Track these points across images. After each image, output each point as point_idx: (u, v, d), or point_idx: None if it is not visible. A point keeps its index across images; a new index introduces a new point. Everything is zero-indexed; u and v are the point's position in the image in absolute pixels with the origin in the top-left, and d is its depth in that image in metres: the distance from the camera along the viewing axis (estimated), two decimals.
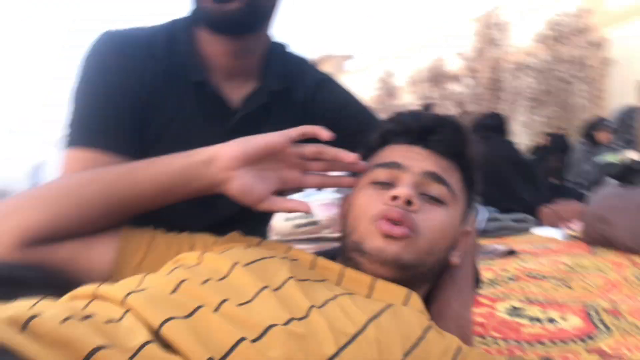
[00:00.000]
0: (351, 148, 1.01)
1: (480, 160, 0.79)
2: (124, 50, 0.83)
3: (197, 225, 0.80)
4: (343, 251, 0.75)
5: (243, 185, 0.72)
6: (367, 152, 0.80)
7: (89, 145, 0.81)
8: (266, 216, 1.09)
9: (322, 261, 0.72)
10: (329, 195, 2.32)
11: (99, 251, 0.72)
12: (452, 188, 0.73)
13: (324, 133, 0.75)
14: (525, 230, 3.02)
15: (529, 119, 8.39)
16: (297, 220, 2.30)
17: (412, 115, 0.79)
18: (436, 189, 0.71)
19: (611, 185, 2.51)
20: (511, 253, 2.31)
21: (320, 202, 2.14)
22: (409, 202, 0.68)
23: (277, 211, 0.77)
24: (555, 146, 5.26)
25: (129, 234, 0.75)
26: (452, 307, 0.78)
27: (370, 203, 0.71)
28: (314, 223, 2.21)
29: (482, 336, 1.21)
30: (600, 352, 1.09)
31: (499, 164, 3.26)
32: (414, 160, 0.73)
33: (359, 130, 0.93)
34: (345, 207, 0.79)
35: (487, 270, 1.98)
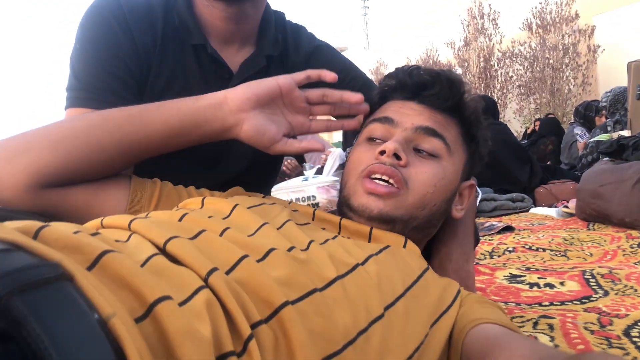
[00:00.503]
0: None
1: (480, 114, 0.79)
2: (120, 16, 0.84)
3: (198, 186, 0.81)
4: (338, 205, 0.77)
5: (257, 125, 0.71)
6: (370, 109, 0.82)
7: (87, 104, 0.80)
8: (267, 179, 1.11)
9: (321, 213, 0.74)
10: (328, 178, 2.33)
11: (112, 197, 0.72)
12: (447, 142, 0.73)
13: (328, 75, 0.76)
14: (523, 210, 3.05)
15: (519, 106, 8.44)
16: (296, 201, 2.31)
17: (408, 71, 0.80)
18: (429, 143, 0.72)
19: (603, 162, 2.53)
20: (509, 229, 2.34)
21: (319, 185, 2.16)
22: (397, 157, 0.69)
23: (291, 152, 0.77)
24: (546, 130, 5.30)
25: (140, 181, 0.75)
26: (453, 260, 0.81)
27: (362, 158, 0.73)
28: (313, 205, 2.23)
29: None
30: (598, 311, 1.11)
31: (493, 146, 3.28)
32: (407, 115, 0.74)
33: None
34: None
35: (486, 244, 2.01)
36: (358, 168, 0.72)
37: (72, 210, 0.69)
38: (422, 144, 0.72)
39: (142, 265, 0.41)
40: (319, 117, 0.81)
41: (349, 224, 0.70)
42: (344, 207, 0.73)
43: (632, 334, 0.96)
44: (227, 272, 0.45)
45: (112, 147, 0.69)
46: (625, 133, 3.36)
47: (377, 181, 0.69)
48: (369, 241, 0.69)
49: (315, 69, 1.00)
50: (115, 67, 0.82)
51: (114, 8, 0.84)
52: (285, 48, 0.98)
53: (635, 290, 1.25)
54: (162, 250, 0.45)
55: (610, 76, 6.71)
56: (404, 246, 0.69)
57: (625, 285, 1.30)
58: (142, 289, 0.36)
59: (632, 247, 1.79)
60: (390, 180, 0.68)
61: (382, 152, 0.70)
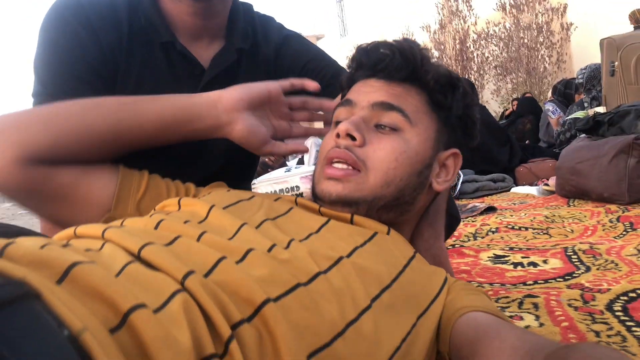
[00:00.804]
0: None
1: (445, 79, 0.76)
2: (82, 16, 0.81)
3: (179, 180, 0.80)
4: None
5: (249, 126, 0.74)
6: (343, 92, 0.82)
7: None
8: (246, 172, 1.11)
9: (303, 200, 0.73)
10: (311, 167, 2.33)
11: (100, 181, 0.71)
12: (406, 113, 0.71)
13: (310, 84, 0.80)
14: (504, 190, 3.08)
15: (497, 87, 8.50)
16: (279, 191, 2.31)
17: (367, 49, 0.78)
18: (388, 117, 0.71)
19: (580, 139, 2.56)
20: (491, 210, 2.36)
21: (302, 175, 2.15)
22: (352, 138, 0.69)
23: (278, 154, 0.81)
24: (524, 109, 5.35)
25: (129, 170, 0.74)
26: (424, 238, 0.81)
27: (326, 145, 0.73)
28: (298, 196, 2.22)
29: (468, 282, 1.25)
30: (581, 287, 1.13)
31: None
32: (365, 93, 0.74)
33: (328, 83, 0.94)
34: None
35: (469, 226, 2.03)
36: (322, 154, 0.73)
37: (58, 190, 0.69)
38: (382, 120, 0.71)
39: (118, 273, 0.40)
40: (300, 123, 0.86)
41: (327, 212, 0.69)
42: (313, 195, 0.74)
43: (615, 308, 0.97)
44: (206, 275, 0.44)
45: (105, 131, 0.69)
46: (601, 109, 3.41)
47: (336, 165, 0.69)
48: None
49: (286, 59, 0.99)
50: (81, 70, 0.80)
51: (75, 9, 0.81)
52: (255, 40, 0.96)
53: (616, 265, 1.27)
54: (137, 257, 0.44)
55: (584, 53, 6.78)
56: (388, 232, 0.68)
57: (606, 260, 1.32)
58: (115, 298, 0.35)
59: (611, 222, 1.82)
60: (347, 163, 0.68)
61: (338, 135, 0.70)
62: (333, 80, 0.96)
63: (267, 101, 0.78)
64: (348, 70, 0.82)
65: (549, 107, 4.86)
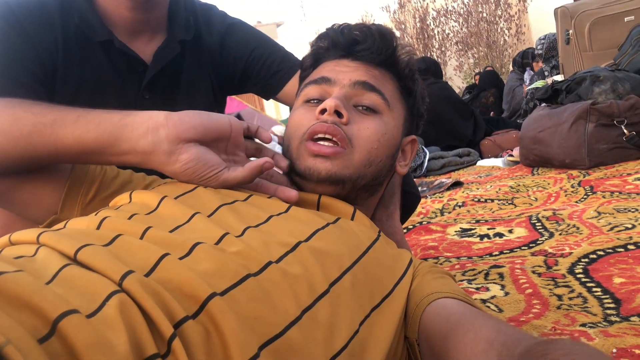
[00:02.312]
0: (270, 89, 1.01)
1: (415, 68, 0.79)
2: (11, 19, 0.78)
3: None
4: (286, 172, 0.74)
5: (195, 155, 0.61)
6: (303, 73, 0.80)
7: None
8: None
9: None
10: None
11: (48, 185, 0.68)
12: (385, 96, 0.72)
13: (264, 134, 0.71)
14: (470, 164, 3.12)
15: (459, 63, 8.59)
16: None
17: (339, 29, 0.78)
18: (368, 98, 0.71)
19: (541, 108, 2.60)
20: (457, 184, 2.39)
21: None
22: (338, 115, 0.68)
23: (236, 181, 0.65)
24: (486, 83, 5.42)
25: (81, 170, 0.70)
26: (376, 219, 0.82)
27: (302, 121, 0.71)
28: None
29: (436, 257, 1.27)
30: (545, 253, 1.16)
31: (435, 104, 3.34)
32: (343, 72, 0.73)
33: (276, 70, 0.93)
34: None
35: (436, 202, 2.05)
36: (299, 130, 0.70)
37: (0, 194, 0.67)
38: (362, 100, 0.71)
39: (51, 279, 0.39)
40: None
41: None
42: (291, 173, 0.71)
43: (576, 271, 1.00)
44: (147, 274, 0.43)
45: (16, 156, 0.63)
46: (559, 78, 3.47)
47: (322, 142, 0.67)
48: (317, 209, 0.67)
49: (231, 48, 0.97)
50: (18, 73, 0.77)
51: (5, 13, 0.78)
52: (198, 30, 0.94)
53: (578, 229, 1.30)
54: (74, 260, 0.43)
55: (542, 24, 6.89)
56: (353, 217, 0.68)
57: (568, 225, 1.35)
58: (42, 306, 0.34)
59: (573, 187, 1.87)
60: (334, 139, 0.67)
61: (323, 111, 0.68)
62: (281, 67, 0.95)
63: (225, 137, 0.66)
64: (313, 49, 0.80)
65: (526, 75, 4.93)
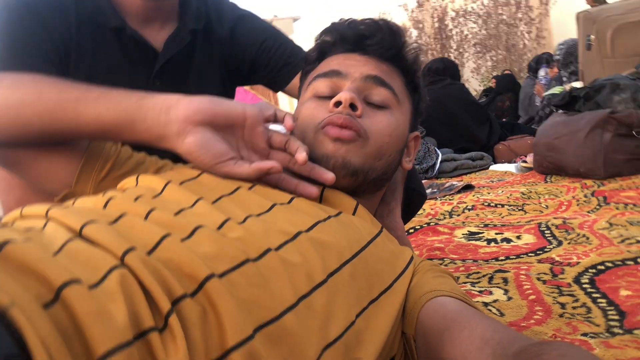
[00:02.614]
0: (278, 81, 1.02)
1: (420, 64, 0.79)
2: (30, 5, 0.79)
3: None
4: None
5: (202, 139, 0.62)
6: (308, 67, 0.79)
7: None
8: None
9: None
10: None
11: (64, 158, 0.70)
12: (395, 91, 0.72)
13: (289, 122, 0.67)
14: (483, 168, 3.10)
15: (477, 65, 8.51)
16: None
17: (346, 23, 0.77)
18: (379, 94, 0.71)
19: (557, 114, 2.57)
20: (468, 188, 2.38)
21: None
22: (352, 107, 0.67)
23: (239, 175, 0.64)
24: (503, 87, 5.37)
25: (97, 146, 0.72)
26: (376, 215, 0.81)
27: (315, 113, 0.70)
28: None
29: (441, 259, 1.26)
30: (551, 261, 1.15)
31: (451, 106, 3.32)
32: (354, 66, 0.72)
33: (285, 62, 0.93)
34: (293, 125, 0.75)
35: (446, 204, 2.04)
36: (314, 121, 0.68)
37: (17, 166, 0.70)
38: (372, 96, 0.71)
39: (57, 251, 0.40)
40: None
41: None
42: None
43: (582, 281, 0.99)
44: (149, 253, 0.44)
45: (39, 130, 0.66)
46: (578, 84, 3.43)
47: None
48: (320, 202, 0.67)
49: (241, 39, 0.97)
50: (33, 57, 0.78)
51: (21, 2, 0.79)
52: (209, 20, 0.95)
53: (587, 239, 1.29)
54: (79, 235, 0.44)
55: (563, 28, 6.80)
56: (354, 212, 0.68)
57: (578, 234, 1.34)
58: (47, 274, 0.35)
59: (586, 197, 1.84)
60: (350, 129, 0.66)
61: (337, 104, 0.67)
62: (290, 59, 0.95)
63: (239, 125, 0.65)
64: (318, 43, 0.79)
65: (542, 72, 4.87)
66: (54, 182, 0.71)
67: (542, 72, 4.88)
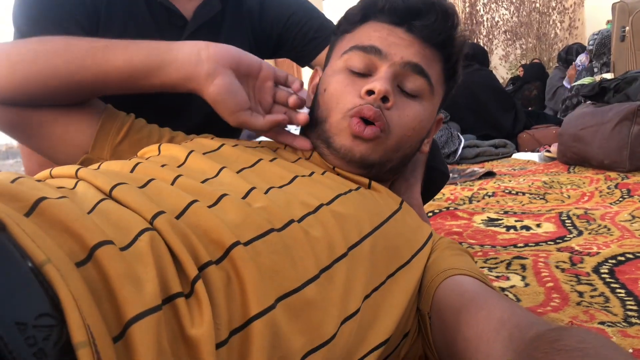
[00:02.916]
0: (305, 55, 1.01)
1: (463, 49, 0.74)
2: None
3: None
4: (310, 131, 0.72)
5: (230, 84, 0.66)
6: (347, 26, 0.73)
7: None
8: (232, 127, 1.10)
9: (283, 152, 0.71)
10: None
11: (81, 122, 0.72)
12: (431, 81, 0.68)
13: (296, 83, 0.73)
14: (506, 156, 3.07)
15: (505, 52, 8.34)
16: None
17: None
18: (414, 82, 0.67)
19: (585, 105, 2.52)
20: (490, 175, 2.36)
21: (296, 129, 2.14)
22: (384, 98, 0.64)
23: (254, 127, 0.70)
24: (531, 75, 5.26)
25: (114, 113, 0.74)
26: (394, 189, 0.81)
27: (345, 93, 0.67)
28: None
29: (459, 244, 1.26)
30: (571, 250, 1.14)
31: (478, 92, 3.28)
32: (396, 46, 0.67)
33: (313, 36, 0.93)
34: (316, 83, 0.75)
35: (466, 190, 2.03)
36: (342, 105, 0.66)
37: (36, 128, 0.71)
38: (407, 82, 0.67)
39: (90, 210, 0.41)
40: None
41: (316, 159, 0.69)
42: (319, 140, 0.69)
43: (602, 271, 0.98)
44: (177, 217, 0.44)
45: (69, 77, 0.67)
46: (608, 76, 3.35)
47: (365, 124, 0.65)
48: None
49: (270, 11, 0.97)
50: (62, 19, 0.79)
51: None
52: None
53: (609, 230, 1.27)
54: (109, 196, 0.45)
55: (597, 19, 6.61)
56: (369, 186, 0.68)
57: (599, 225, 1.32)
58: (82, 233, 0.36)
59: (609, 189, 1.82)
60: (376, 124, 0.64)
61: (370, 92, 0.64)
62: (318, 34, 0.94)
63: (254, 75, 0.70)
64: (364, 3, 0.73)
65: (583, 57, 4.74)
66: (70, 146, 0.72)
67: (582, 57, 4.72)
